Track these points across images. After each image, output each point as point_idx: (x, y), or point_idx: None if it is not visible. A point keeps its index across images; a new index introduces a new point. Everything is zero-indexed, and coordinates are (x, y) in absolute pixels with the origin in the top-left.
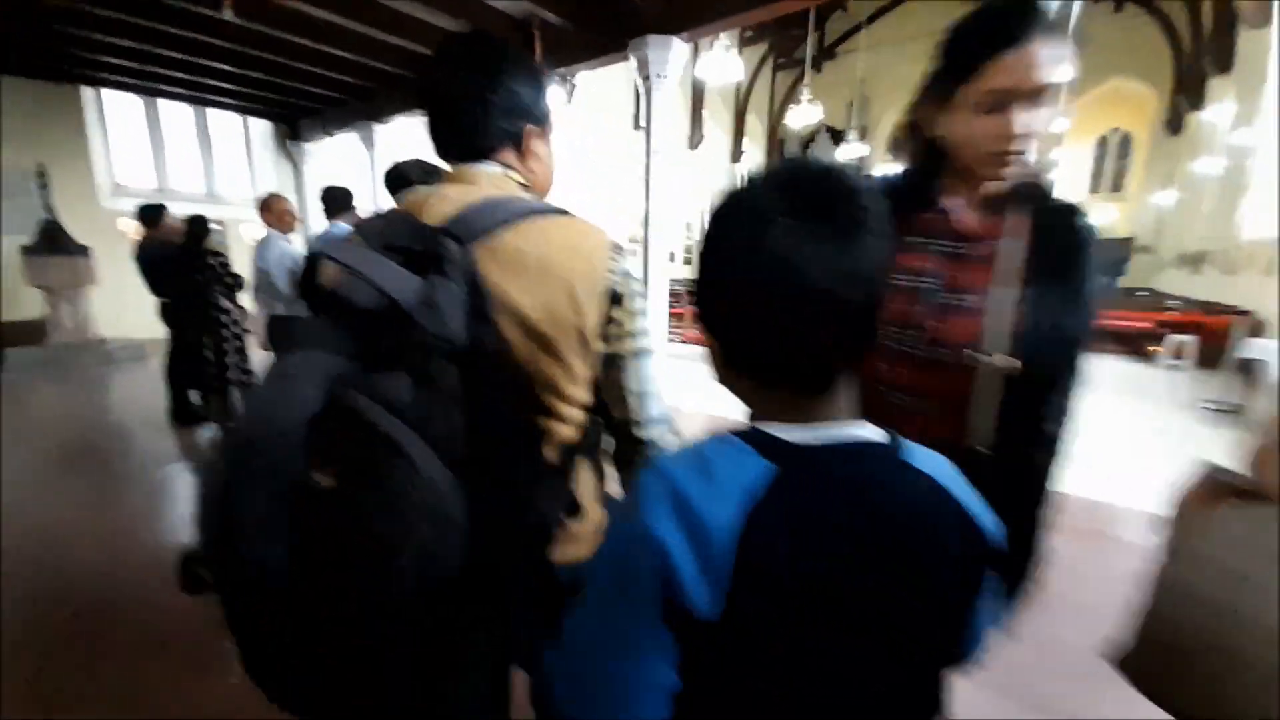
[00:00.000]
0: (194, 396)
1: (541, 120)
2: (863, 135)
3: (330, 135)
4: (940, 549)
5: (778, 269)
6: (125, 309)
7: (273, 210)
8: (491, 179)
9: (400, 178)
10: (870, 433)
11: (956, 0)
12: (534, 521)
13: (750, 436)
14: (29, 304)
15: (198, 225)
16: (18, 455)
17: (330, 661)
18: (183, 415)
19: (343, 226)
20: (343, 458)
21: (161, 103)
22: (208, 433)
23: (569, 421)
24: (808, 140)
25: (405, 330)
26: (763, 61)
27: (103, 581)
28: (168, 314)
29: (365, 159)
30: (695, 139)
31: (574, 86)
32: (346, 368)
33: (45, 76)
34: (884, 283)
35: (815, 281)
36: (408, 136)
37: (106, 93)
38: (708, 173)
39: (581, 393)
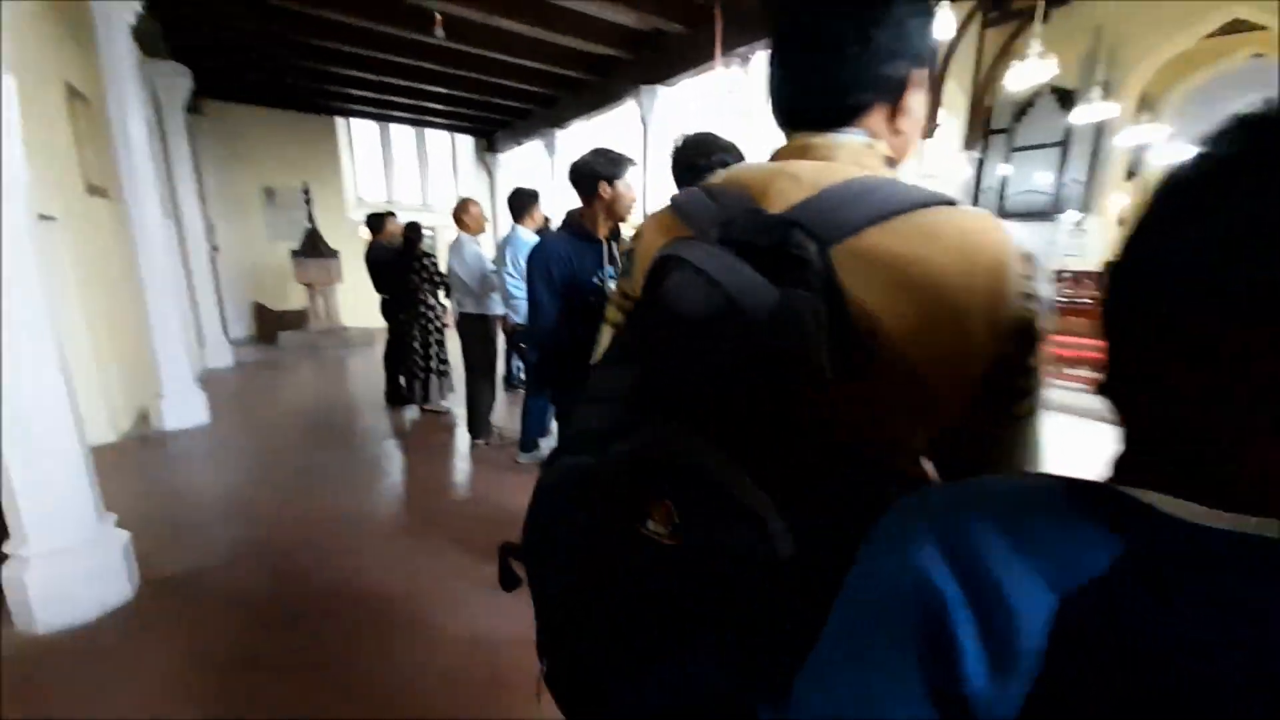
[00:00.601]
0: (404, 382)
1: (927, 60)
2: (1106, 93)
3: (519, 144)
4: None
5: None
6: (362, 302)
7: (465, 214)
8: (852, 153)
9: (687, 163)
10: None
11: None
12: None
13: (1100, 495)
14: (295, 296)
15: (413, 231)
16: (276, 414)
17: (618, 688)
18: (395, 397)
19: (523, 230)
20: (687, 518)
21: (392, 127)
22: (411, 414)
23: (899, 477)
24: (1024, 105)
25: (752, 353)
26: (968, 19)
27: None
28: (386, 309)
29: (547, 164)
30: None
31: (748, 73)
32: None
33: (310, 109)
34: None
35: None
36: (583, 140)
37: (354, 121)
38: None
39: (924, 444)
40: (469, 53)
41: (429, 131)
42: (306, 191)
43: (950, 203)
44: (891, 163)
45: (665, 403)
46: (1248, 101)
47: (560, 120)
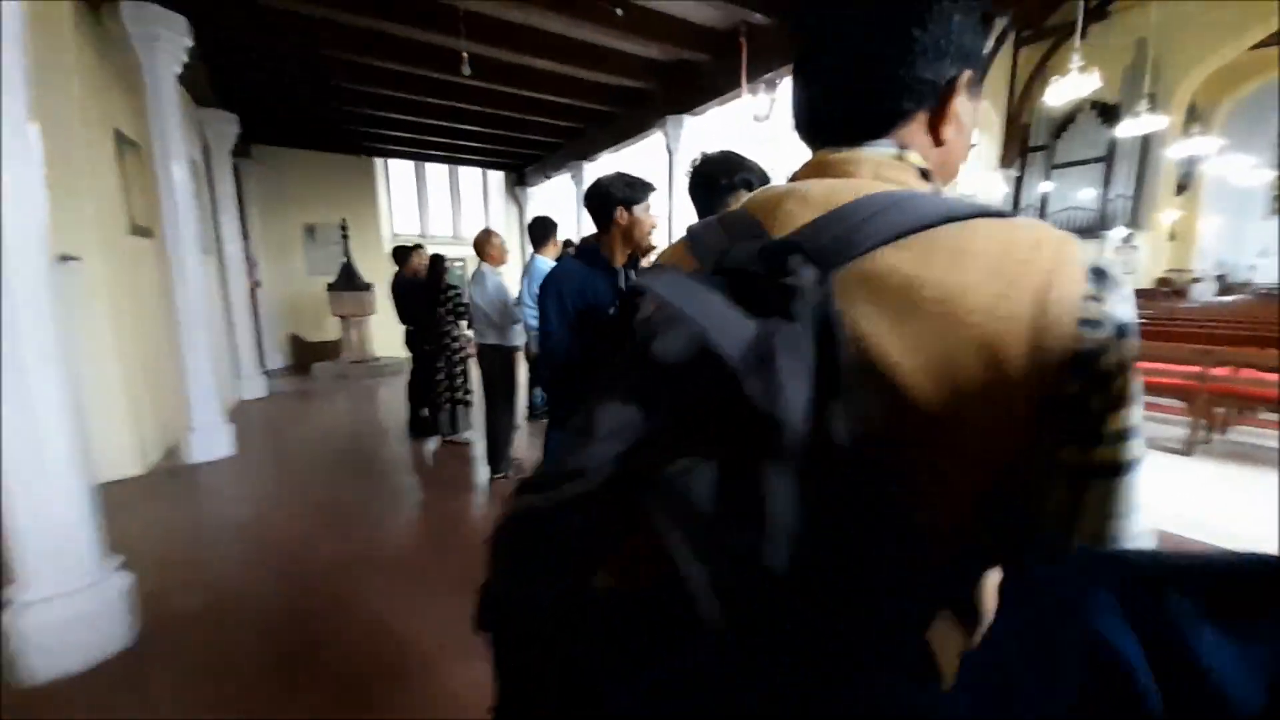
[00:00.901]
0: (426, 413)
1: (977, 60)
2: (1152, 105)
3: (548, 178)
4: None
5: None
6: (392, 333)
7: (487, 245)
8: (875, 166)
9: (708, 182)
10: None
11: None
12: (870, 695)
13: None
14: (330, 328)
15: (437, 263)
16: (300, 445)
17: (613, 691)
18: (417, 428)
19: (542, 259)
20: (624, 561)
21: (427, 165)
22: (432, 445)
23: (937, 549)
24: (1063, 122)
25: (724, 397)
26: (1001, 39)
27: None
28: (410, 340)
29: (574, 196)
30: None
31: (775, 100)
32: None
33: (350, 151)
34: None
35: None
36: (609, 171)
37: (391, 161)
38: None
39: (969, 509)
40: (499, 91)
41: (462, 168)
42: (344, 227)
43: (997, 214)
44: (927, 175)
45: (642, 434)
46: None
47: (588, 153)
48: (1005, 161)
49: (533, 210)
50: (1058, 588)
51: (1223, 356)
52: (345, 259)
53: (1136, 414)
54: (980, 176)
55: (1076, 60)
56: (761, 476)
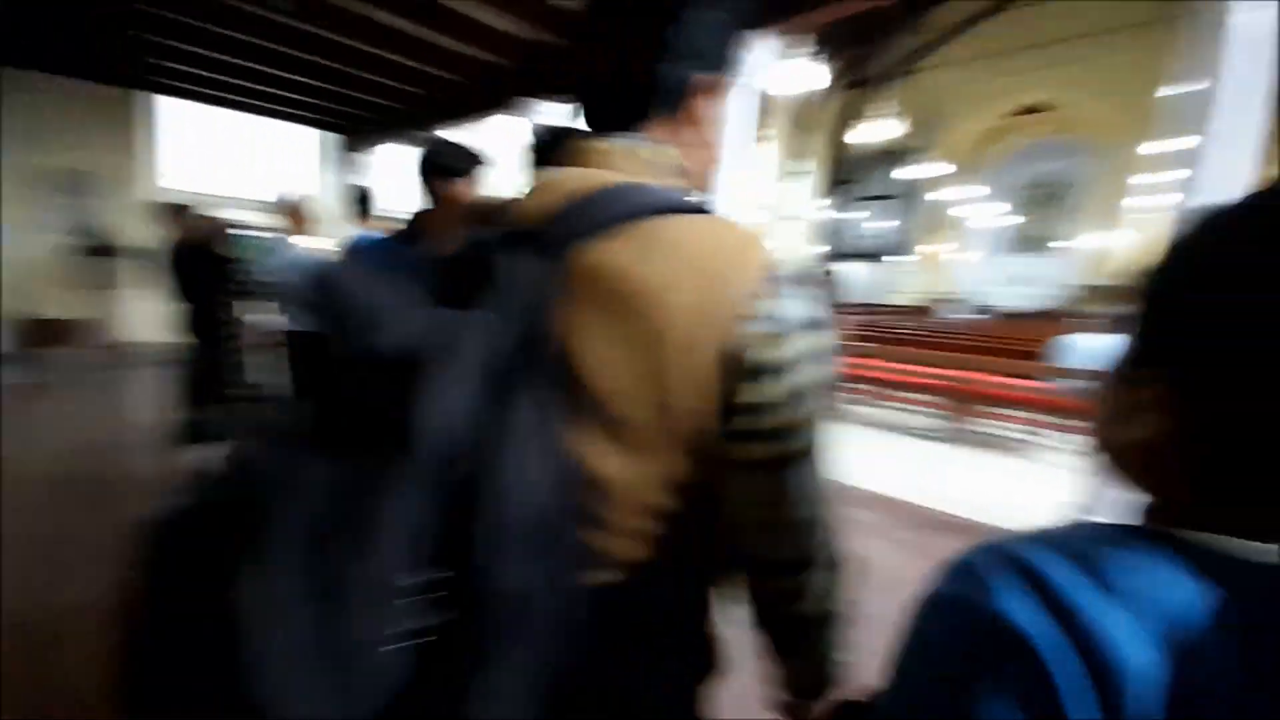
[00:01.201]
0: (204, 412)
1: (718, 67)
2: (934, 155)
3: (383, 144)
4: None
5: None
6: (161, 312)
7: (296, 214)
8: (623, 157)
9: (538, 158)
10: None
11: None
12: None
13: (1172, 543)
14: (73, 305)
15: (223, 230)
16: (26, 457)
17: None
18: (195, 434)
19: (368, 232)
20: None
21: (231, 112)
22: (213, 453)
23: (653, 570)
24: (867, 161)
25: (384, 397)
26: (837, 80)
27: None
28: (189, 322)
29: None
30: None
31: None
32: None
33: (108, 80)
34: None
35: None
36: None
37: (176, 104)
38: (749, 196)
39: (662, 508)
40: (328, 39)
41: (274, 120)
42: (86, 177)
43: (701, 211)
44: (675, 172)
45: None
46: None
47: (431, 123)
48: (824, 192)
49: (368, 179)
50: (955, 578)
51: (974, 363)
52: (95, 217)
53: (807, 408)
54: (807, 203)
55: (879, 109)
56: (382, 480)
